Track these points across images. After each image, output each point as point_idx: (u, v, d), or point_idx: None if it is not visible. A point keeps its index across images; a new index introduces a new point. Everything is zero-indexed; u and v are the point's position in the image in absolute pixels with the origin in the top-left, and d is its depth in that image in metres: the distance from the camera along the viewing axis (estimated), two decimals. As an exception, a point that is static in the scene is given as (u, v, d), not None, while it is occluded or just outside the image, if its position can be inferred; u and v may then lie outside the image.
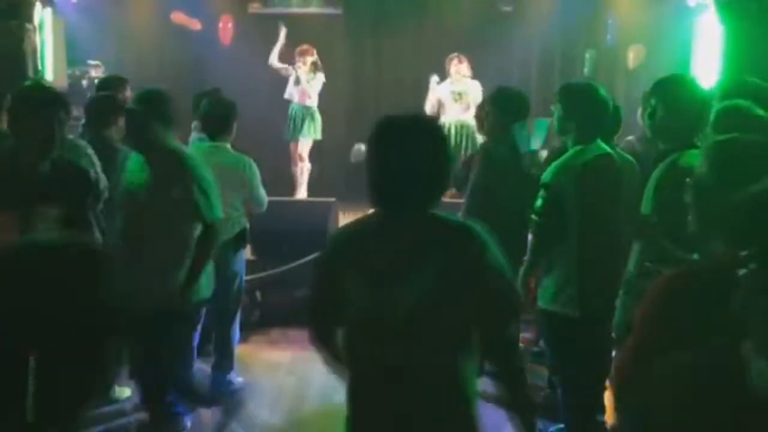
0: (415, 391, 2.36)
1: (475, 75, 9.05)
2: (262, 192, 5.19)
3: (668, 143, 3.42)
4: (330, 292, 2.48)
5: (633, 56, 8.99)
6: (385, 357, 2.36)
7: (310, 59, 9.00)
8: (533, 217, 3.92)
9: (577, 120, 3.86)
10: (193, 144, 5.54)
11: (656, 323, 2.02)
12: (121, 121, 4.53)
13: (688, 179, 2.32)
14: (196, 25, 10.50)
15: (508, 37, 10.44)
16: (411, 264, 2.34)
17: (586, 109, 3.87)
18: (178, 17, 10.41)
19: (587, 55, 9.65)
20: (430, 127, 2.47)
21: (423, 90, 9.21)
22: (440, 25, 10.60)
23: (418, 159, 2.35)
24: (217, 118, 5.15)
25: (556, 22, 10.17)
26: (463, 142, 8.77)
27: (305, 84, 9.03)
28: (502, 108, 5.04)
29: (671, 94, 3.52)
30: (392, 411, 2.37)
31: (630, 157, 4.30)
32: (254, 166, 5.19)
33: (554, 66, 10.40)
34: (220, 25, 10.52)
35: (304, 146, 9.19)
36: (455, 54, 9.12)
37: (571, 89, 4.03)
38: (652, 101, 3.56)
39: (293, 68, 9.08)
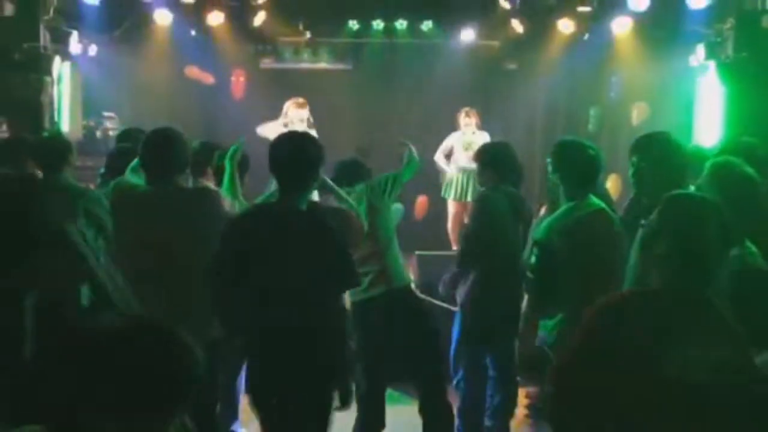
0: None
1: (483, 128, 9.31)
2: None
3: (652, 198, 3.40)
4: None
5: (636, 114, 9.05)
6: None
7: (306, 114, 8.49)
8: (528, 274, 3.95)
9: (567, 176, 3.93)
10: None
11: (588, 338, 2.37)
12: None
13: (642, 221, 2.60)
14: (209, 78, 10.65)
15: (513, 93, 10.51)
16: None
17: (576, 165, 3.92)
18: (192, 72, 10.55)
19: (591, 112, 9.73)
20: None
21: (429, 138, 9.35)
22: (446, 80, 10.74)
23: None
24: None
25: (560, 79, 10.25)
26: (470, 189, 8.94)
27: None
28: (492, 166, 5.07)
29: (651, 150, 3.62)
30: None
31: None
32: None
33: (558, 123, 10.47)
34: (233, 79, 10.65)
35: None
36: (466, 108, 9.40)
37: (561, 146, 4.09)
38: (634, 159, 3.65)
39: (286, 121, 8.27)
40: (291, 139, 3.74)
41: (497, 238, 4.80)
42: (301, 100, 7.68)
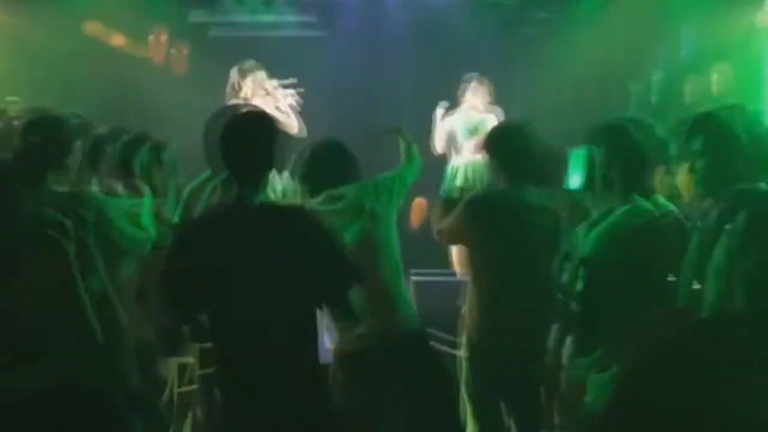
0: None
1: (496, 102, 7.49)
2: None
3: (718, 195, 3.05)
4: None
5: (717, 80, 7.13)
6: None
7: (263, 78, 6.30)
8: (572, 305, 3.46)
9: (621, 169, 3.42)
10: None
11: None
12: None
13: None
14: (118, 38, 8.68)
15: (535, 60, 8.65)
16: None
17: (633, 154, 3.45)
18: (93, 28, 8.39)
19: (654, 77, 7.86)
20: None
21: (425, 119, 7.61)
22: (450, 47, 8.77)
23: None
24: None
25: (599, 40, 8.37)
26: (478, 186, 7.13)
27: None
28: (504, 157, 4.21)
29: (724, 132, 3.21)
30: None
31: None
32: None
33: (595, 97, 8.61)
34: (151, 39, 8.58)
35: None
36: (472, 75, 7.46)
37: (613, 128, 3.58)
38: (697, 144, 3.20)
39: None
40: (240, 118, 3.21)
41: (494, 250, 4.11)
42: (247, 63, 6.17)
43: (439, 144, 7.46)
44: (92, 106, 7.50)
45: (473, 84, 7.40)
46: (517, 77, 8.43)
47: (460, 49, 8.50)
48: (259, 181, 3.02)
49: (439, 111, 7.48)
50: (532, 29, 9.16)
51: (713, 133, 3.19)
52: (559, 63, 8.49)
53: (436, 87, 7.88)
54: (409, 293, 4.25)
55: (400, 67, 8.95)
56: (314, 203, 3.68)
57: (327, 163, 3.89)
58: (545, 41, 8.74)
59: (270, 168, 3.06)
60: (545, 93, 8.49)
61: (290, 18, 8.95)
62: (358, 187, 3.86)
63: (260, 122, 3.11)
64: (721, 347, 2.02)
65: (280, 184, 4.72)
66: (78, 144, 3.80)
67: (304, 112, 6.25)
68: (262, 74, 6.07)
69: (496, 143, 4.23)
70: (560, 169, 3.95)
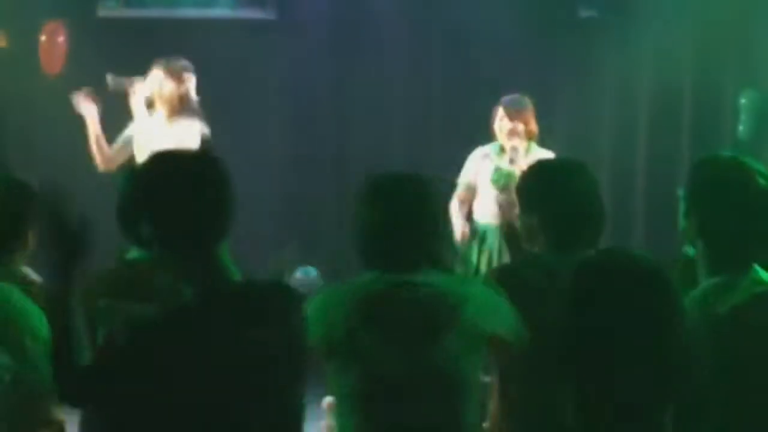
0: None
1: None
2: None
3: None
4: None
5: None
6: None
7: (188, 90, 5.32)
8: None
9: (716, 228, 2.73)
10: None
11: None
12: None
13: None
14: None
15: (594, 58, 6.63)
16: None
17: (732, 209, 2.72)
18: None
19: (743, 99, 6.02)
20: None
21: (431, 144, 6.49)
22: (474, 38, 6.62)
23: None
24: None
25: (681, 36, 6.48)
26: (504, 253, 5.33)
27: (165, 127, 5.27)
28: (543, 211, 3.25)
29: None
30: None
31: None
32: None
33: (682, 118, 6.68)
34: (42, 38, 6.30)
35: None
36: (504, 102, 5.28)
37: (708, 168, 2.92)
38: None
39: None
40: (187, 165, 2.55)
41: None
42: (180, 63, 5.28)
43: (455, 206, 5.38)
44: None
45: (500, 113, 5.23)
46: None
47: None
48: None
49: (476, 155, 5.36)
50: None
51: None
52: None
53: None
54: None
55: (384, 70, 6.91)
56: None
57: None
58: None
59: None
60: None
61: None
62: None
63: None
64: None
65: None
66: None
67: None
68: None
69: (539, 191, 3.37)
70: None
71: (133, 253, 2.98)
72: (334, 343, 2.61)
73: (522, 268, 3.37)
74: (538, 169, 3.52)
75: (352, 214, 2.69)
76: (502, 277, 3.34)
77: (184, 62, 5.22)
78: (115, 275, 3.10)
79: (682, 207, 2.87)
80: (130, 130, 5.23)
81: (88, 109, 5.25)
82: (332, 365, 2.68)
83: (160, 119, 5.14)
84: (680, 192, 2.95)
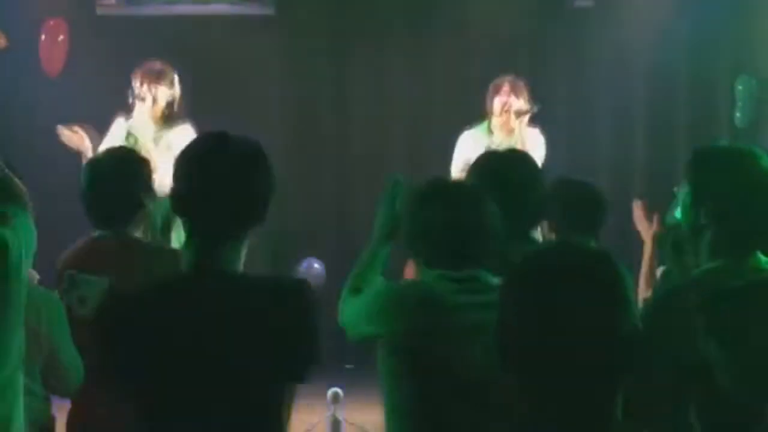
0: None
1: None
2: None
3: None
4: None
5: None
6: None
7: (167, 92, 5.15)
8: None
9: (719, 213, 2.75)
10: None
11: None
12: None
13: None
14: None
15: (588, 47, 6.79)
16: None
17: (735, 194, 2.76)
18: None
19: (739, 86, 6.13)
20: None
21: (431, 137, 6.49)
22: (470, 31, 6.84)
23: None
24: None
25: (679, 25, 6.55)
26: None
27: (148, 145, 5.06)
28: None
29: None
30: None
31: None
32: None
33: (679, 108, 6.75)
34: (43, 37, 6.52)
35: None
36: (507, 78, 5.47)
37: (710, 156, 2.95)
38: None
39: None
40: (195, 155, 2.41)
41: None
42: (157, 66, 5.15)
43: (455, 173, 5.48)
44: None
45: (505, 88, 5.33)
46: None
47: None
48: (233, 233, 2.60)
49: (465, 138, 5.44)
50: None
51: None
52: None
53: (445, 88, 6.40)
54: None
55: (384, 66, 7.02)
56: None
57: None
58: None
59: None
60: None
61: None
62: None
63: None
64: None
65: None
66: None
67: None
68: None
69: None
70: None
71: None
72: (401, 342, 2.61)
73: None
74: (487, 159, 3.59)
75: (408, 216, 2.72)
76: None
77: (162, 64, 5.08)
78: (80, 250, 3.24)
79: (682, 201, 2.92)
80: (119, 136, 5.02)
81: (79, 143, 5.01)
82: (395, 365, 2.65)
83: (147, 126, 4.99)
84: (676, 190, 3.04)
